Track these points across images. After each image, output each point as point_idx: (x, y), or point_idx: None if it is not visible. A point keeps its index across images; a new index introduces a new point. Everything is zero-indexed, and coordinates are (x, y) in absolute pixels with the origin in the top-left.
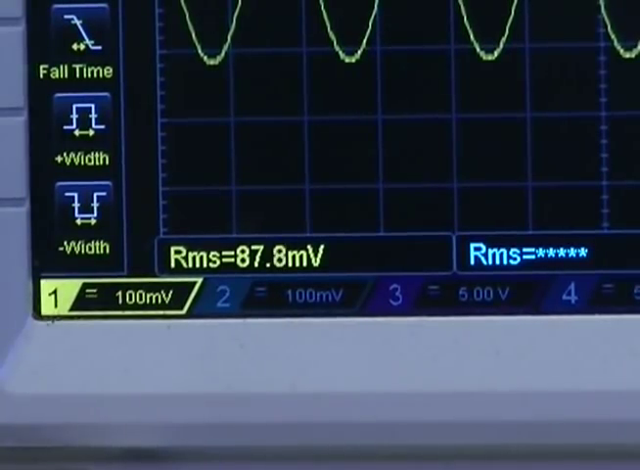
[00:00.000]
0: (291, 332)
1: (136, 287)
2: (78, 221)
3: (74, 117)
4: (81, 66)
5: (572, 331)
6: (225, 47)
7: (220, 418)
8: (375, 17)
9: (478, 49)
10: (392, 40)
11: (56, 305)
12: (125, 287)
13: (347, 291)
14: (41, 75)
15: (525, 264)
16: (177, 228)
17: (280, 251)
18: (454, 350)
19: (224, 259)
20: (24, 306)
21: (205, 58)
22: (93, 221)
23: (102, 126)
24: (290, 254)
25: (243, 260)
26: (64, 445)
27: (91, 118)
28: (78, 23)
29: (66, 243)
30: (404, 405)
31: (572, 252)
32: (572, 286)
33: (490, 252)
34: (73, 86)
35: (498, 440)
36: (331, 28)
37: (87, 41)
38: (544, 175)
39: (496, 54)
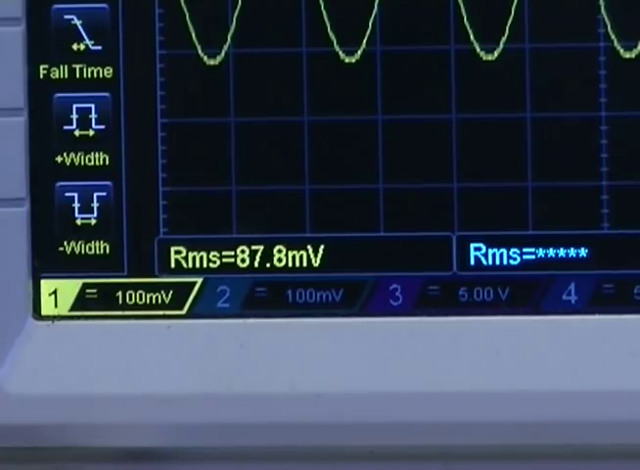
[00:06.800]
0: (291, 332)
1: (136, 287)
2: (78, 221)
3: (74, 117)
4: (81, 66)
5: (572, 331)
6: (225, 47)
7: (220, 418)
8: (375, 17)
9: (478, 49)
10: (392, 40)
11: (56, 306)
12: (125, 287)
13: (347, 291)
14: (41, 75)
15: (525, 264)
16: (177, 228)
17: (280, 251)
18: (454, 350)
19: (224, 260)
20: (24, 306)
21: (205, 58)
22: (93, 221)
23: (102, 126)
24: (290, 254)
25: (243, 261)
26: (64, 445)
27: (91, 118)
28: (78, 23)
29: (66, 243)
30: (404, 405)
31: (572, 252)
32: (572, 286)
33: (490, 252)
34: (73, 86)
35: (498, 440)
36: (331, 28)
37: (87, 41)
38: (544, 175)
39: (496, 54)
